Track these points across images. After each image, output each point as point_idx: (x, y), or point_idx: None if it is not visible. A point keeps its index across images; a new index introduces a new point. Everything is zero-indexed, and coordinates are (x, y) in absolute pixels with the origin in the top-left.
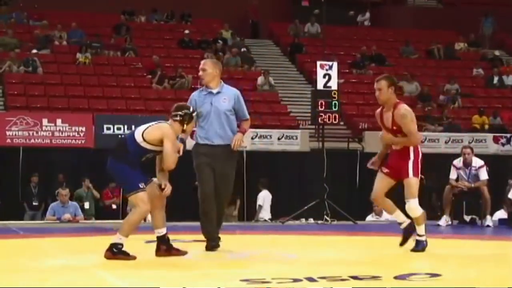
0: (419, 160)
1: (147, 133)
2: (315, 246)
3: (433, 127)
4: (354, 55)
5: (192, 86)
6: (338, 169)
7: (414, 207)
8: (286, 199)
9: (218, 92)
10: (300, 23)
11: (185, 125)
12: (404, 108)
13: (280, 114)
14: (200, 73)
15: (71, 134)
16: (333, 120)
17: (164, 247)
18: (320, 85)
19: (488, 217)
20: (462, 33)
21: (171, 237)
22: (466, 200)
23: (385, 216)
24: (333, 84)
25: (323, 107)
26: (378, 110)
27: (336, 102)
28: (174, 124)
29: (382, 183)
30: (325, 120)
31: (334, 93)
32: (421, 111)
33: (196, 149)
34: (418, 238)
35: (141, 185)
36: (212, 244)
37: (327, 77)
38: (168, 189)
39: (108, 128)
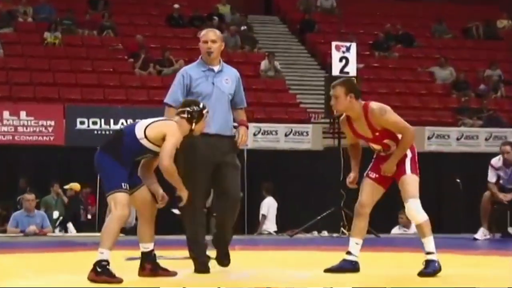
0: (415, 155)
1: (150, 128)
2: (329, 264)
3: (471, 121)
4: (377, 35)
5: None
6: None
7: (414, 208)
8: (295, 208)
9: (220, 71)
10: None
11: (193, 124)
12: (375, 104)
13: (288, 106)
14: (208, 44)
15: (37, 130)
16: None
17: (150, 266)
18: (335, 71)
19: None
20: (506, 8)
21: (157, 253)
22: (511, 209)
23: (414, 228)
24: (351, 70)
25: None
26: (343, 116)
27: None
28: (181, 122)
29: (370, 190)
30: None
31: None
32: (456, 101)
33: (189, 141)
34: (428, 257)
35: (124, 185)
36: (201, 268)
37: (344, 61)
38: (165, 200)
39: (82, 122)
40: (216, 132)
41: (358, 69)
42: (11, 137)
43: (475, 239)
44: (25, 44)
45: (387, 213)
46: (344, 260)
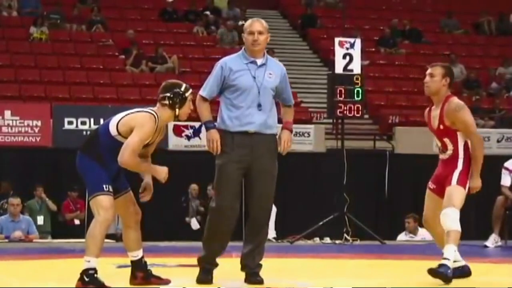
0: (468, 173)
1: (121, 124)
2: (332, 272)
3: (482, 122)
4: (383, 30)
5: (182, 70)
6: (361, 174)
7: (451, 215)
8: (296, 213)
9: (263, 64)
10: None
11: (177, 110)
12: (457, 100)
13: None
14: (255, 36)
15: (22, 130)
16: (355, 112)
17: (141, 274)
18: (339, 68)
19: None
20: None
21: (149, 261)
22: None
23: (421, 234)
24: (356, 67)
25: (343, 96)
26: (427, 109)
27: (360, 89)
28: (162, 110)
29: (430, 202)
30: (345, 112)
31: (357, 78)
32: (467, 101)
33: (225, 140)
34: (443, 261)
35: (105, 187)
36: (203, 278)
37: (347, 57)
38: (146, 194)
39: (70, 122)
40: (256, 130)
41: (362, 67)
42: None
43: (486, 246)
44: (10, 40)
45: (393, 220)
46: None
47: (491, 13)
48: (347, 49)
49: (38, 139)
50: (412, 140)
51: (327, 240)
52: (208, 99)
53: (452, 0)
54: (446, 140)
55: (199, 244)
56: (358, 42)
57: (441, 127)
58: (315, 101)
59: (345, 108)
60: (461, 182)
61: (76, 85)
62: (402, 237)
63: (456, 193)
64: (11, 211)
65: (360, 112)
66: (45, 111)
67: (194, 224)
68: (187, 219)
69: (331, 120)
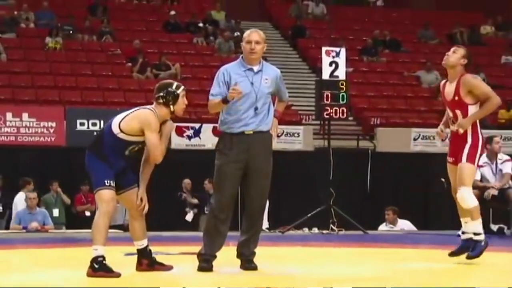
0: (479, 145)
1: (124, 122)
2: (319, 259)
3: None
4: (365, 40)
5: (183, 76)
6: (346, 171)
7: (465, 196)
8: (287, 206)
9: (259, 71)
10: (303, 3)
11: (171, 107)
12: (473, 75)
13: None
14: (252, 45)
15: (39, 130)
16: (340, 114)
17: (146, 261)
18: (325, 75)
19: None
20: (490, 15)
21: (154, 249)
22: (492, 206)
23: (400, 225)
24: (341, 73)
25: (329, 99)
26: (443, 81)
27: (344, 94)
28: (158, 108)
29: (454, 174)
30: (331, 114)
31: (342, 84)
32: (442, 104)
33: (224, 141)
34: (475, 238)
35: (107, 182)
36: (203, 266)
37: (333, 65)
38: (143, 205)
39: (82, 124)
40: (253, 130)
41: (347, 73)
42: (14, 138)
43: (459, 235)
44: (27, 49)
45: (374, 212)
46: (462, 241)
47: (464, 25)
48: (333, 57)
49: (53, 139)
50: (392, 140)
51: (315, 230)
52: None
53: (428, 13)
54: (458, 111)
55: (196, 233)
56: (343, 51)
57: (456, 98)
58: (304, 105)
59: (331, 110)
60: (470, 158)
61: (88, 90)
62: (383, 227)
63: (466, 171)
64: (28, 204)
65: (345, 114)
66: (59, 113)
67: (189, 216)
68: (186, 209)
69: (318, 122)
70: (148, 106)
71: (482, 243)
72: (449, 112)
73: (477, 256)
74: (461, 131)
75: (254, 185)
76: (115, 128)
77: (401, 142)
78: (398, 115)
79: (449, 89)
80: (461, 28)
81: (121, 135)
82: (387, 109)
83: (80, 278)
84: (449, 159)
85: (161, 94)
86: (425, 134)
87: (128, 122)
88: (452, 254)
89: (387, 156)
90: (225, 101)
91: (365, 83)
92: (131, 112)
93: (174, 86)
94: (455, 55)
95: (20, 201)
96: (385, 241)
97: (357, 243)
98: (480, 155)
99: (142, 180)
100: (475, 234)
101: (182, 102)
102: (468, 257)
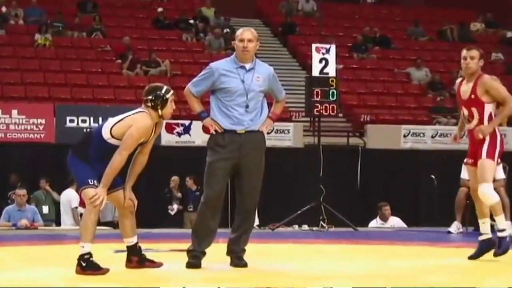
0: (497, 141)
1: (117, 127)
2: (309, 256)
3: (445, 120)
4: (355, 37)
5: (173, 73)
6: (336, 168)
7: (487, 192)
8: (277, 203)
9: (251, 69)
10: (293, 0)
11: (159, 110)
12: (491, 76)
13: (270, 105)
14: (245, 43)
15: (28, 127)
16: (330, 111)
17: (136, 258)
18: (315, 71)
19: (509, 222)
20: (480, 12)
21: (143, 246)
22: None
23: (391, 222)
24: (331, 70)
25: (319, 96)
26: (458, 80)
27: (334, 91)
28: (148, 110)
29: (474, 175)
30: (321, 111)
31: (332, 81)
32: (432, 101)
33: (215, 139)
34: (499, 234)
35: (90, 181)
36: (192, 262)
37: (323, 62)
38: (129, 205)
39: (72, 121)
40: (245, 129)
41: (337, 70)
42: (3, 135)
43: (449, 232)
44: (16, 46)
45: (365, 208)
46: (480, 242)
47: (454, 22)
48: (323, 54)
49: (42, 135)
50: (382, 137)
51: (305, 227)
52: (195, 96)
53: (418, 10)
54: (474, 109)
55: (186, 230)
56: (333, 48)
57: (473, 96)
58: (294, 101)
59: (321, 107)
60: (490, 154)
61: (77, 87)
62: (373, 224)
63: (486, 167)
64: (18, 201)
65: (335, 111)
66: (48, 110)
67: (172, 209)
68: (169, 207)
69: (308, 119)
70: (140, 109)
71: (508, 239)
72: (464, 111)
73: (505, 252)
74: (480, 136)
75: (246, 183)
76: (105, 134)
77: (391, 139)
78: (388, 112)
79: (465, 88)
80: (451, 25)
81: (112, 141)
82: (377, 106)
83: (69, 275)
84: (468, 161)
85: (150, 97)
86: (415, 131)
87: (121, 127)
88: (471, 257)
89: (377, 153)
90: (199, 115)
91: (355, 80)
92: (124, 118)
93: (163, 90)
94: (474, 61)
95: (73, 197)
96: (375, 238)
97: (347, 240)
98: (500, 152)
99: (129, 180)
100: (499, 230)
101: (170, 106)
102: (495, 254)
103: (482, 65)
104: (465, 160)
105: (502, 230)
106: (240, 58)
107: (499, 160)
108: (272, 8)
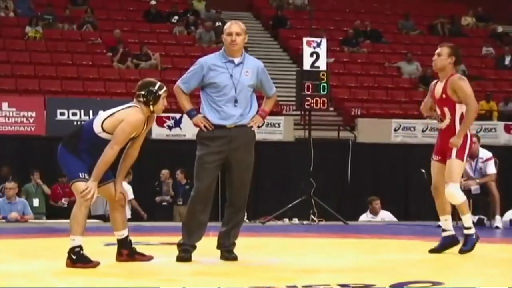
0: (467, 142)
1: (108, 121)
2: (300, 250)
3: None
4: (346, 31)
5: (164, 66)
6: (327, 161)
7: (454, 192)
8: (267, 196)
9: (240, 63)
10: None
11: (151, 106)
12: (460, 76)
13: (260, 98)
14: (233, 37)
15: (19, 120)
16: (321, 105)
17: (126, 252)
18: (306, 65)
19: (498, 217)
20: (471, 6)
21: (134, 239)
22: (472, 198)
23: (381, 215)
24: (322, 64)
25: (310, 90)
26: (433, 82)
27: (325, 84)
28: (140, 105)
29: (438, 171)
30: (312, 105)
31: (323, 74)
32: (423, 95)
33: (203, 133)
34: (466, 232)
35: (81, 175)
36: (182, 256)
37: (314, 55)
38: (120, 199)
39: (62, 113)
40: (234, 124)
41: (328, 64)
42: None
43: (439, 226)
44: (7, 38)
45: (355, 202)
46: (443, 238)
47: (445, 16)
48: (314, 48)
49: (33, 128)
50: (372, 131)
51: (296, 220)
52: (185, 92)
53: (409, 3)
54: (446, 109)
55: (176, 224)
56: (324, 41)
57: (443, 96)
58: (285, 95)
59: (312, 101)
60: (459, 155)
61: (68, 80)
62: (363, 217)
63: (454, 167)
64: (7, 194)
65: (325, 105)
66: (39, 103)
67: (159, 199)
68: (157, 198)
69: (299, 112)
70: (132, 104)
71: (474, 237)
72: (437, 110)
73: (470, 250)
74: (456, 147)
75: (236, 177)
76: (97, 128)
77: (381, 132)
78: (379, 106)
79: (438, 87)
80: (442, 19)
81: (103, 135)
82: (367, 99)
83: (60, 268)
84: (435, 157)
85: (143, 92)
86: (405, 125)
87: (113, 122)
88: (432, 250)
89: (368, 147)
90: (188, 113)
91: (346, 73)
92: (115, 112)
93: (156, 87)
94: (441, 58)
95: None
96: (365, 231)
97: (338, 233)
98: (468, 153)
99: (120, 173)
100: (465, 228)
101: (162, 103)
102: (461, 252)
103: (453, 63)
104: (432, 156)
105: (469, 228)
106: (229, 51)
107: (468, 159)
108: (263, 1)
